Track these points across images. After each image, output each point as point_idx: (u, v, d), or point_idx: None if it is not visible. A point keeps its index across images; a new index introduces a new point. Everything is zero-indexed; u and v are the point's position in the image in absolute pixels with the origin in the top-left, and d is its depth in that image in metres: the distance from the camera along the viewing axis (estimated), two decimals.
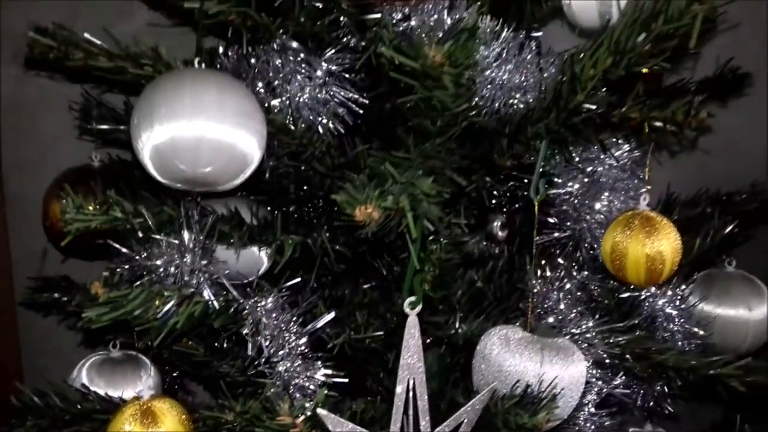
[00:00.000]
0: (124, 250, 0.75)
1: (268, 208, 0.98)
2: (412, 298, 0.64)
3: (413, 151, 0.68)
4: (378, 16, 0.81)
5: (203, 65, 0.78)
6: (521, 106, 0.87)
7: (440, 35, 0.59)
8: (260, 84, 0.91)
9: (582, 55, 0.67)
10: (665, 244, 0.82)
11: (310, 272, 0.92)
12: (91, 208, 0.72)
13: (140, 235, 0.74)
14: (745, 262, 1.09)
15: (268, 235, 0.87)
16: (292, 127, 0.87)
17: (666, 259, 0.82)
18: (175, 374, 1.07)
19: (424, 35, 0.58)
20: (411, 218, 0.54)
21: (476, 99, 0.87)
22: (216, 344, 0.81)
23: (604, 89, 0.69)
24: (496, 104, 0.88)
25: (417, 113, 0.68)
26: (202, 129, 0.71)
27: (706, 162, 1.29)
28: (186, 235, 0.72)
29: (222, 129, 0.72)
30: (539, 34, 1.01)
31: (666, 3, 0.58)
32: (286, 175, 0.95)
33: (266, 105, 0.88)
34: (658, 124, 0.77)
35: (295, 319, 0.75)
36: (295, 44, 0.88)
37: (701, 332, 0.96)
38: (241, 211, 0.88)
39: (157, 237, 0.73)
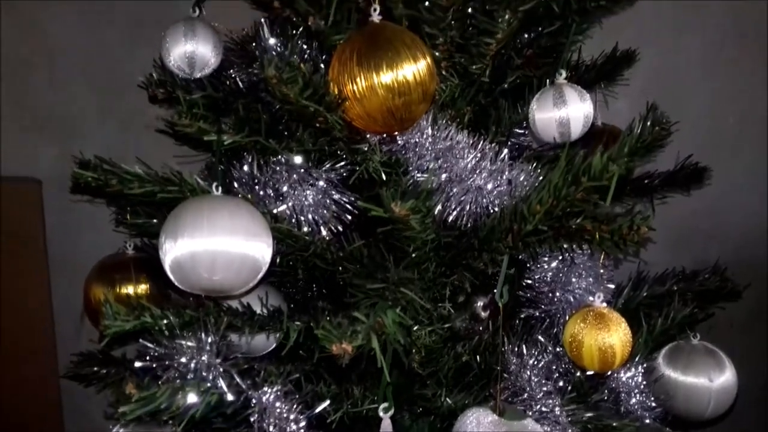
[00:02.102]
0: (151, 346, 0.90)
1: (281, 289, 1.13)
2: (385, 404, 0.78)
3: (392, 272, 0.81)
4: (365, 146, 0.95)
5: (220, 190, 0.92)
6: (495, 209, 1.01)
7: (404, 193, 0.73)
8: (270, 191, 1.06)
9: (529, 195, 0.80)
10: (615, 338, 0.94)
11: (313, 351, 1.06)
12: (124, 312, 0.87)
13: (166, 333, 0.89)
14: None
15: (276, 322, 1.02)
16: (296, 231, 1.02)
17: (616, 351, 0.94)
18: None
19: (389, 192, 0.72)
20: (378, 350, 0.68)
21: (454, 207, 1.01)
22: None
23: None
24: (470, 207, 1.02)
25: (395, 238, 0.82)
26: (217, 245, 0.86)
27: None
28: (203, 336, 0.87)
29: (233, 244, 0.87)
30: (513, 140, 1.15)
31: (588, 164, 0.71)
32: (295, 260, 1.09)
33: (274, 211, 1.03)
34: (607, 235, 0.90)
35: (296, 406, 0.89)
36: (298, 159, 1.03)
37: (660, 406, 1.08)
38: (252, 302, 1.03)
39: (180, 336, 0.88)
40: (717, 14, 1.54)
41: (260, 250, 0.89)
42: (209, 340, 0.87)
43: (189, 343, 0.85)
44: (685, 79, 1.54)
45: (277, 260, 1.06)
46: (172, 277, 0.89)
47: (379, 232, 0.82)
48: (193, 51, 1.04)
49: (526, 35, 1.12)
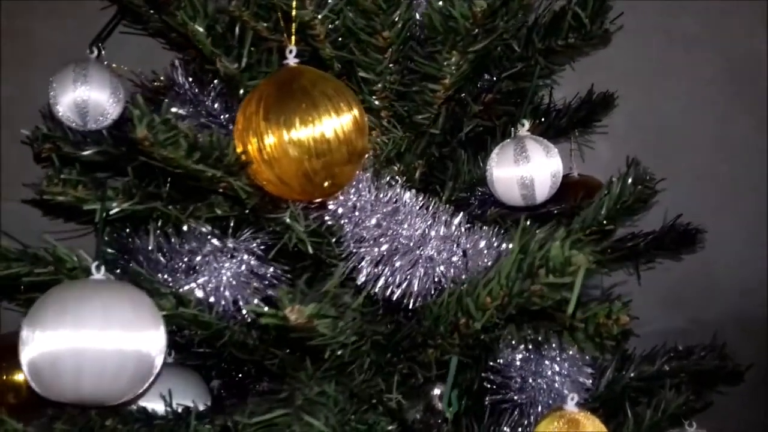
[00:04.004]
0: None
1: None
2: None
3: (303, 381, 0.64)
4: (284, 214, 0.78)
5: (102, 269, 0.75)
6: (451, 285, 0.84)
7: (304, 298, 0.55)
8: (181, 264, 0.89)
9: (476, 286, 0.63)
10: None
11: None
12: None
13: None
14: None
15: (182, 427, 0.83)
16: (205, 316, 0.84)
17: None
18: None
19: (283, 292, 0.54)
20: None
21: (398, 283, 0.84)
22: None
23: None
24: (419, 282, 0.85)
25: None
26: (84, 341, 0.68)
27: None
28: None
29: (107, 339, 0.69)
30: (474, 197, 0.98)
31: (546, 255, 0.54)
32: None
33: (180, 290, 0.85)
34: (580, 325, 0.72)
35: None
36: (205, 229, 0.86)
37: None
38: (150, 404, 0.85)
39: None
40: (707, 51, 1.39)
41: (146, 343, 0.72)
42: None
43: None
44: (672, 122, 1.38)
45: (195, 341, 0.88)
46: (32, 384, 0.71)
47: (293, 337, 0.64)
48: (84, 99, 0.87)
49: (485, 77, 0.95)
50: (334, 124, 0.70)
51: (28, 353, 0.69)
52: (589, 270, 0.53)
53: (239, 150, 0.70)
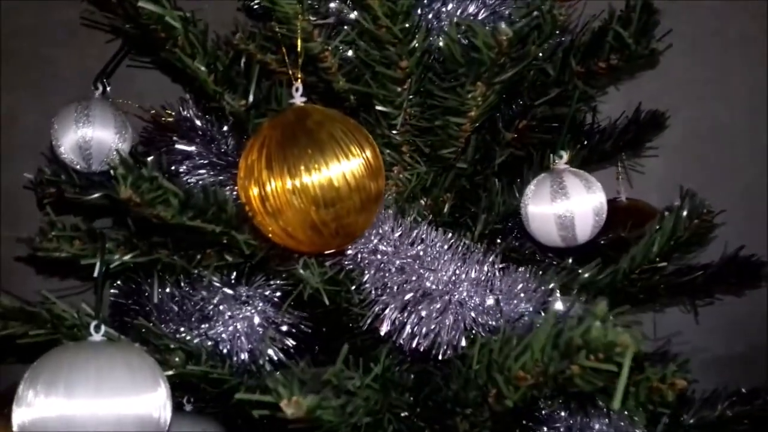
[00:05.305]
0: None
1: None
2: None
3: None
4: (296, 264, 0.71)
5: (101, 329, 0.69)
6: (486, 331, 0.77)
7: (302, 382, 0.48)
8: (194, 312, 0.83)
9: (507, 356, 0.55)
10: None
11: None
12: None
13: None
14: None
15: None
16: (217, 372, 0.77)
17: None
18: None
19: (274, 380, 0.47)
20: None
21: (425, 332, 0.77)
22: None
23: None
24: (449, 332, 0.78)
25: None
26: (77, 408, 0.63)
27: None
28: None
29: (102, 406, 0.64)
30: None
31: (584, 332, 0.46)
32: None
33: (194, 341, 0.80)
34: (630, 389, 0.63)
35: None
36: (215, 278, 0.80)
37: None
38: None
39: None
40: (765, 52, 1.26)
41: (144, 406, 0.66)
42: None
43: None
44: (730, 129, 1.24)
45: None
46: None
47: None
48: (87, 139, 0.82)
49: (519, 102, 0.86)
50: (344, 169, 0.63)
51: (20, 415, 0.65)
52: (638, 353, 0.45)
53: (242, 200, 0.64)
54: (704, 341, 1.14)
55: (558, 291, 0.79)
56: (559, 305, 0.68)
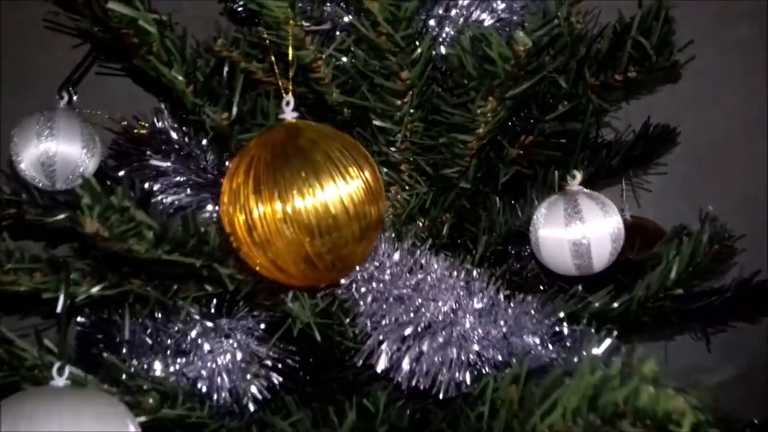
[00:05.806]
0: None
1: None
2: None
3: None
4: (284, 298, 0.64)
5: (65, 371, 0.61)
6: (492, 366, 0.70)
7: None
8: (169, 346, 0.75)
9: (531, 412, 0.48)
10: None
11: None
12: None
13: None
14: None
15: None
16: (196, 415, 0.70)
17: None
18: None
19: None
20: None
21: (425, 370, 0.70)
22: None
23: None
24: (451, 369, 0.71)
25: None
26: None
27: None
28: None
29: None
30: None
31: (631, 394, 0.39)
32: None
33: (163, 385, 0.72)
34: None
35: None
36: (194, 310, 0.72)
37: None
38: None
39: None
40: (763, 58, 1.20)
41: None
42: None
43: None
44: (727, 137, 1.18)
45: None
46: None
47: None
48: (50, 154, 0.74)
49: (525, 116, 0.79)
50: (341, 193, 0.56)
51: None
52: (700, 422, 0.38)
53: (226, 230, 0.56)
54: (707, 364, 1.08)
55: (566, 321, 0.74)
56: (595, 350, 0.61)
